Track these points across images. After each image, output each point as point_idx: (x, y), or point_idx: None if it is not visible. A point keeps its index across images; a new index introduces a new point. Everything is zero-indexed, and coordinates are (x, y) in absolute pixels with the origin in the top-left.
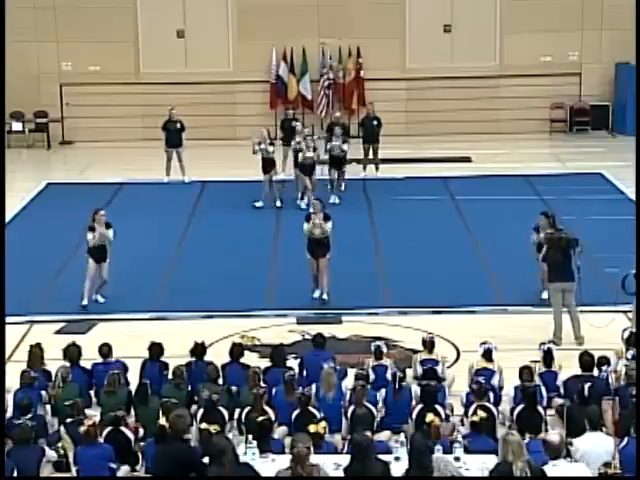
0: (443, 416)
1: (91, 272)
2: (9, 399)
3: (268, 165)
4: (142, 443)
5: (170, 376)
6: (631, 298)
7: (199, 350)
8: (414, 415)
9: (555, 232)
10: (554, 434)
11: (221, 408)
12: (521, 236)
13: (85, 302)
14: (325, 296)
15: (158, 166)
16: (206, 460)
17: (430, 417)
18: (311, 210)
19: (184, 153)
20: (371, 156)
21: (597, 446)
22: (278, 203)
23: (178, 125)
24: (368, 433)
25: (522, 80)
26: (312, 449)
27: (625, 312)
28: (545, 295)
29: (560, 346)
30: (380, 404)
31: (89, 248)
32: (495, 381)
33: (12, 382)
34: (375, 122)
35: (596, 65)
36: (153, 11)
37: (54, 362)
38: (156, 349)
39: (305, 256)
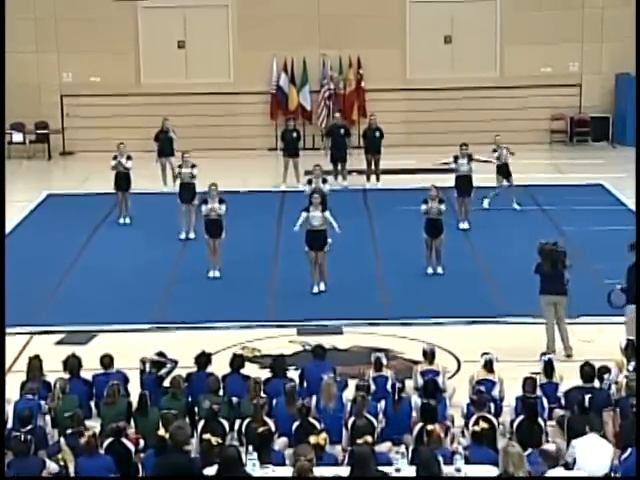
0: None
1: (209, 245)
2: (9, 410)
3: (189, 192)
4: (142, 454)
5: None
6: (618, 312)
7: (204, 360)
8: (415, 433)
9: (547, 244)
10: (551, 443)
11: (221, 419)
12: (522, 247)
13: (210, 274)
14: (323, 287)
15: (159, 176)
16: (207, 471)
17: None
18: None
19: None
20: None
21: (595, 453)
22: (191, 235)
23: (169, 135)
24: (369, 438)
25: (522, 91)
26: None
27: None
28: (430, 270)
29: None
30: (380, 415)
31: (204, 221)
32: (496, 392)
33: (12, 393)
34: (377, 133)
35: (596, 76)
36: (154, 22)
37: (55, 373)
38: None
39: (304, 250)
